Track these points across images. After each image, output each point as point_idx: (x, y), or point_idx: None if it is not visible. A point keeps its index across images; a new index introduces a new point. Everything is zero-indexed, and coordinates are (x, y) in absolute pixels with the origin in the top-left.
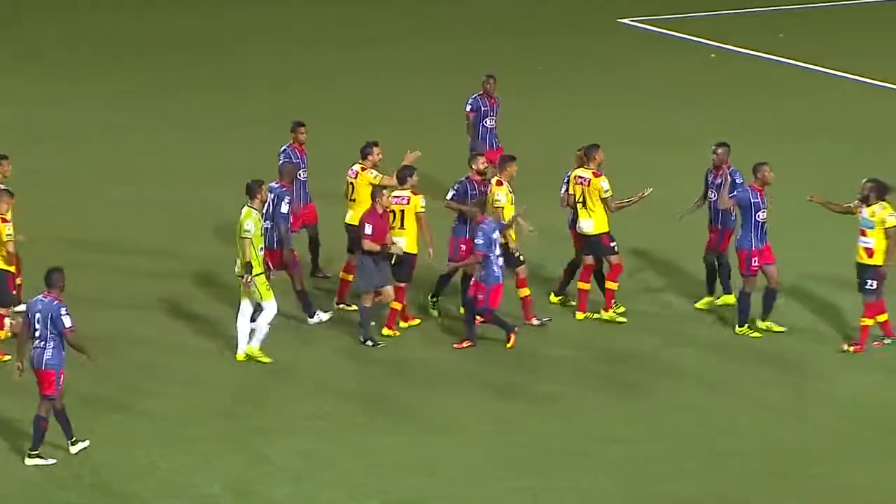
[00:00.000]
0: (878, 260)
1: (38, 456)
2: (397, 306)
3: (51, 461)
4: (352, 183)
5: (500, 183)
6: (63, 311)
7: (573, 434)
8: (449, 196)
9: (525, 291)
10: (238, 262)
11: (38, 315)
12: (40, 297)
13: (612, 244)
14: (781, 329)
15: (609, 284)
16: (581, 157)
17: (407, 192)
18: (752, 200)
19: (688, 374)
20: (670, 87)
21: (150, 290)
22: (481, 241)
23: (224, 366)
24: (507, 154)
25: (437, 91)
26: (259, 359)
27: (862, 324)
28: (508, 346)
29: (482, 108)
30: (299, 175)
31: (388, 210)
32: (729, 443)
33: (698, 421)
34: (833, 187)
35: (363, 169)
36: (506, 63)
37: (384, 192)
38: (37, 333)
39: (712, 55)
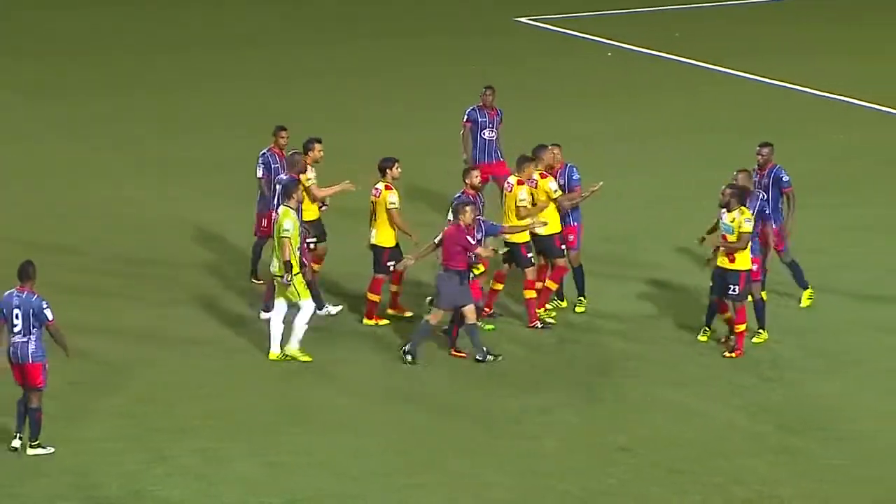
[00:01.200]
0: (740, 265)
1: (38, 446)
2: (375, 298)
3: (50, 449)
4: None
5: (521, 182)
6: (44, 304)
7: (468, 430)
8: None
9: (531, 294)
10: (276, 261)
11: (16, 310)
12: (14, 291)
13: (562, 246)
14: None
15: (549, 284)
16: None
17: (381, 186)
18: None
19: (584, 371)
20: (567, 86)
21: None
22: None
23: (124, 365)
24: (525, 154)
25: (341, 93)
26: (299, 358)
27: (737, 330)
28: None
29: (479, 120)
30: (278, 180)
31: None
32: (624, 438)
33: (590, 417)
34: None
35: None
36: (404, 63)
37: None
38: (16, 328)
39: (609, 54)
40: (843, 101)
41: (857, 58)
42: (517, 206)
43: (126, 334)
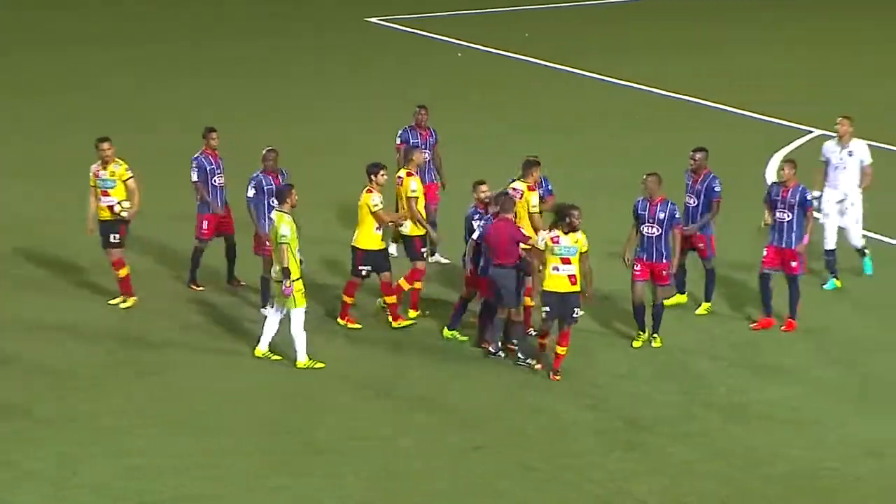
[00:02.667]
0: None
1: None
2: (349, 300)
3: None
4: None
5: (531, 188)
6: None
7: (326, 431)
8: (476, 235)
9: (528, 301)
10: (275, 267)
11: None
12: None
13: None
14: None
15: (402, 283)
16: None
17: (365, 189)
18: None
19: (437, 371)
20: (418, 86)
21: None
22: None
23: None
24: (531, 158)
25: (171, 94)
26: (313, 367)
27: (558, 351)
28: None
29: (412, 141)
30: (214, 181)
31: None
32: (478, 437)
33: (444, 417)
34: (569, 182)
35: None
36: (253, 63)
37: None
38: None
39: (459, 54)
40: (689, 100)
41: (702, 58)
42: (530, 213)
43: None
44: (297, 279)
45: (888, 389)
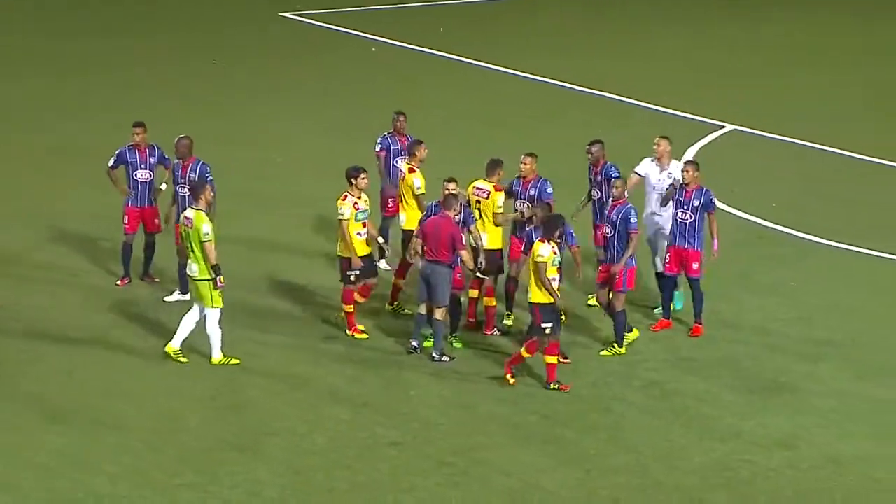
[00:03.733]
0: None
1: None
2: (349, 309)
3: None
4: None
5: (497, 188)
6: None
7: (236, 428)
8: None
9: (491, 301)
10: (196, 266)
11: None
12: None
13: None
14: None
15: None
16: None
17: (341, 196)
18: None
19: (351, 366)
20: (332, 81)
21: None
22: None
23: None
24: (494, 158)
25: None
26: (229, 363)
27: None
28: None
29: (391, 148)
30: (135, 175)
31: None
32: (393, 433)
33: (359, 412)
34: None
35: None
36: (163, 59)
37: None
38: None
39: (373, 49)
40: (594, 94)
41: (609, 53)
42: (494, 213)
43: None
44: (217, 277)
45: (801, 383)
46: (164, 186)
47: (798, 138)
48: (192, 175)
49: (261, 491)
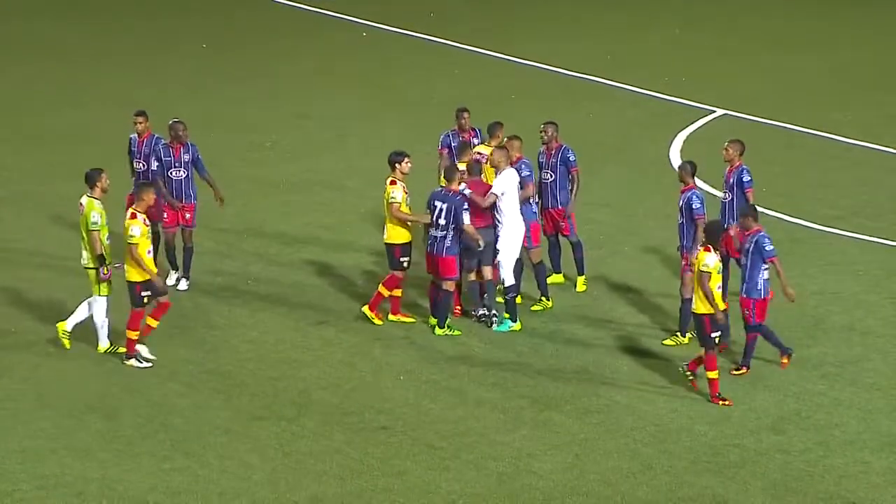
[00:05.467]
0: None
1: None
2: (394, 293)
3: None
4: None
5: (393, 182)
6: None
7: (225, 411)
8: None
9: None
10: (85, 254)
11: None
12: None
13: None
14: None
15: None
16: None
17: (388, 180)
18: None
19: (341, 351)
20: (322, 66)
21: None
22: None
23: None
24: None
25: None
26: (116, 351)
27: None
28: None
29: (454, 145)
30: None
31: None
32: (382, 417)
33: (349, 396)
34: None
35: (391, 183)
36: (162, 42)
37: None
38: None
39: (364, 34)
40: (588, 79)
41: (601, 36)
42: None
43: None
44: (102, 267)
45: (791, 367)
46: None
47: (787, 122)
48: (186, 157)
49: (251, 475)
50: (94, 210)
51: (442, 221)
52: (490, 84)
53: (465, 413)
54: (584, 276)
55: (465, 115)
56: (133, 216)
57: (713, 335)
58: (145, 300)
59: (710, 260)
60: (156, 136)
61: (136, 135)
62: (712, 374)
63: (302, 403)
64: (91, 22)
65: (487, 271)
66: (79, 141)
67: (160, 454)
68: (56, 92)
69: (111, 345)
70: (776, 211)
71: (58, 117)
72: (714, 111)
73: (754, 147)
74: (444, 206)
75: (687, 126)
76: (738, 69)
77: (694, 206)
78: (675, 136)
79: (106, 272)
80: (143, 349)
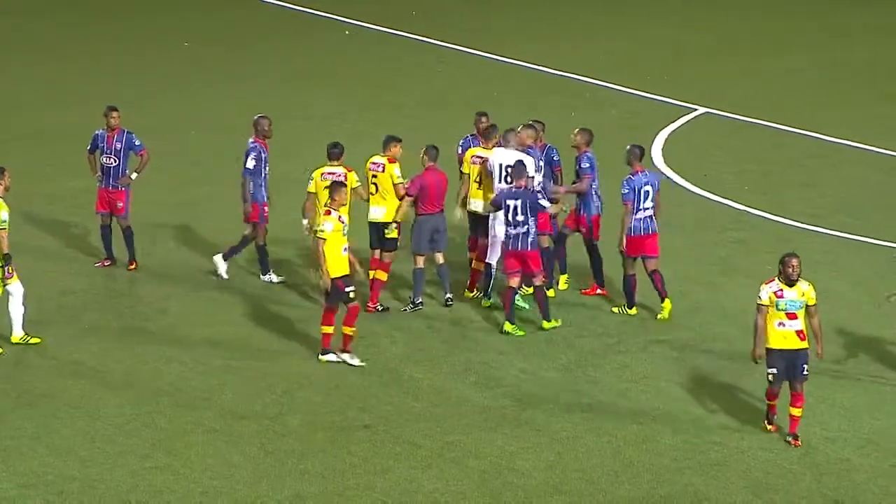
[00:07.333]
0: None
1: None
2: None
3: None
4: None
5: (392, 161)
6: None
7: (208, 411)
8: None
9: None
10: None
11: None
12: None
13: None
14: None
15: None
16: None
17: (383, 160)
18: None
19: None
20: (306, 64)
21: None
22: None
23: None
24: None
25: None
26: (28, 342)
27: (795, 413)
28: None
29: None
30: (103, 160)
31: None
32: (365, 416)
33: (332, 395)
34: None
35: (390, 161)
36: (141, 40)
37: None
38: None
39: (346, 32)
40: (572, 78)
41: (579, 36)
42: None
43: None
44: (6, 266)
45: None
46: (134, 175)
47: (770, 121)
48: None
49: (233, 474)
50: (2, 209)
51: (520, 217)
52: (476, 83)
53: (447, 412)
54: (565, 276)
55: (483, 118)
56: (328, 213)
57: (769, 372)
58: (351, 294)
59: (762, 293)
60: (125, 130)
61: (103, 130)
62: (795, 412)
63: (285, 402)
64: (81, 21)
65: (440, 257)
66: (67, 140)
67: (142, 452)
68: (46, 91)
69: (26, 334)
70: (761, 210)
71: (46, 117)
72: (695, 109)
73: (740, 146)
74: (518, 203)
75: (668, 125)
76: (718, 67)
77: (622, 192)
78: (657, 134)
79: (11, 271)
80: (346, 357)
